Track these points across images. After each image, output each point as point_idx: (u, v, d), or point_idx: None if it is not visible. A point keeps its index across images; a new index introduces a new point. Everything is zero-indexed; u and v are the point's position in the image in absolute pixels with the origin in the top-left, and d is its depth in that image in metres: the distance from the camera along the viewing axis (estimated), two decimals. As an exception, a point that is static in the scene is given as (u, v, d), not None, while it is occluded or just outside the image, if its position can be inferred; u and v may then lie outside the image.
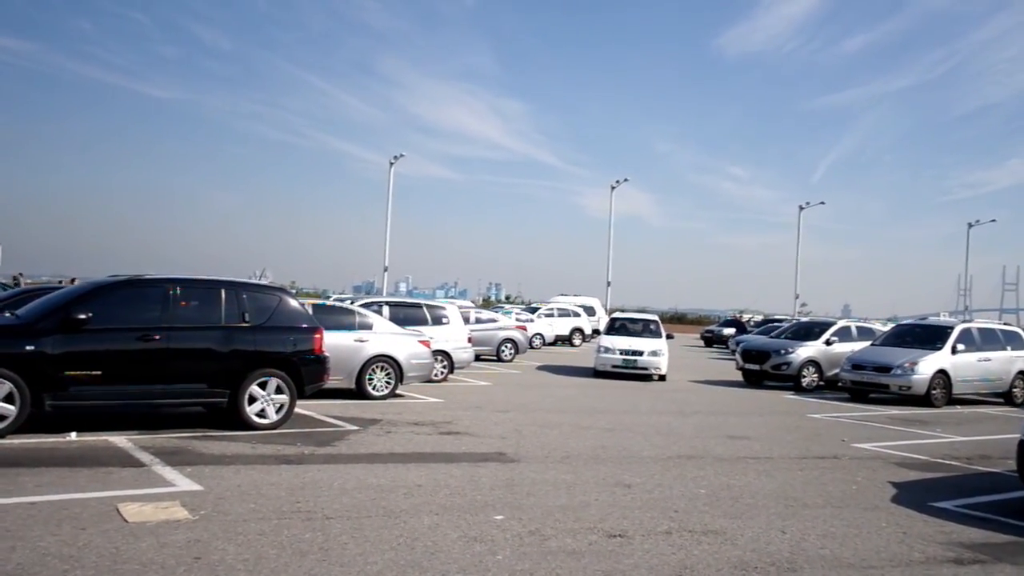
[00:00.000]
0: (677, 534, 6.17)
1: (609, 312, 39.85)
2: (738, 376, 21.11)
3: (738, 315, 46.26)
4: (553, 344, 33.84)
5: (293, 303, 10.70)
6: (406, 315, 16.68)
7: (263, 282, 15.15)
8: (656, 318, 22.83)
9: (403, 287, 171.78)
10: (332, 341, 11.65)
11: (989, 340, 18.46)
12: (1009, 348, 18.65)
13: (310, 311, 11.44)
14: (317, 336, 10.45)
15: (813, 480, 8.60)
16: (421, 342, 14.44)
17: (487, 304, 58.52)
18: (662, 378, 19.95)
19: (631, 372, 19.79)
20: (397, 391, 13.82)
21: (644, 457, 9.42)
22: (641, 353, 19.82)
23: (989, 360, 18.04)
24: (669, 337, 21.94)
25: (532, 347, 29.81)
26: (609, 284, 53.04)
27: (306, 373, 10.23)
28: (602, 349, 20.53)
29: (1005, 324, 21.13)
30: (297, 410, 10.42)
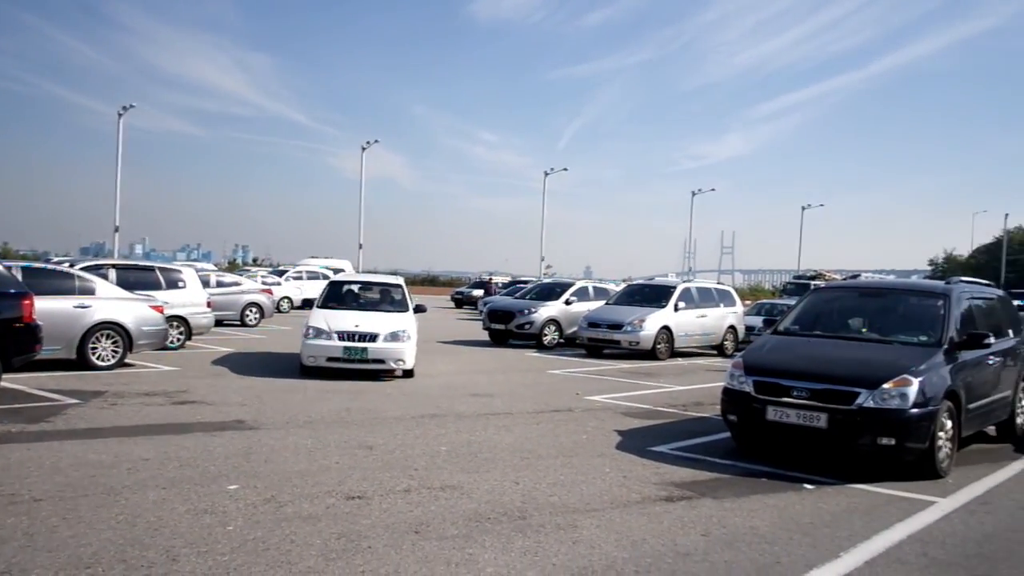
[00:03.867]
0: (416, 492, 6.26)
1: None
2: (485, 336, 21.75)
3: (487, 277, 47.54)
4: (303, 308, 33.02)
5: (-6, 266, 9.55)
6: (137, 279, 15.48)
7: None
8: (401, 282, 15.59)
9: (139, 249, 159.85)
10: (46, 307, 10.61)
11: (705, 298, 20.40)
12: (722, 305, 20.72)
13: (19, 275, 10.31)
14: (26, 302, 9.45)
15: (548, 432, 9.06)
16: (153, 307, 13.50)
17: (232, 267, 55.87)
18: (408, 373, 13.31)
19: (358, 367, 12.85)
20: (126, 360, 12.85)
21: (388, 418, 9.46)
22: (374, 338, 12.82)
23: (705, 316, 19.94)
24: (419, 310, 14.92)
25: (280, 311, 28.93)
26: (361, 246, 52.44)
27: (13, 343, 9.22)
28: (311, 332, 12.99)
29: (719, 284, 23.41)
30: (4, 384, 9.38)
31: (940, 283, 9.66)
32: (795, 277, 48.68)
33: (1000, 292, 11.08)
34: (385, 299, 15.10)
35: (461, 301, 44.61)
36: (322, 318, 13.35)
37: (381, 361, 12.89)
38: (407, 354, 13.05)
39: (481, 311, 28.54)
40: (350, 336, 12.85)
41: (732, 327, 20.61)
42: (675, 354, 19.03)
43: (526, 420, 9.80)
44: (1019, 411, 9.93)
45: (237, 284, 23.59)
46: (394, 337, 12.98)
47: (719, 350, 20.36)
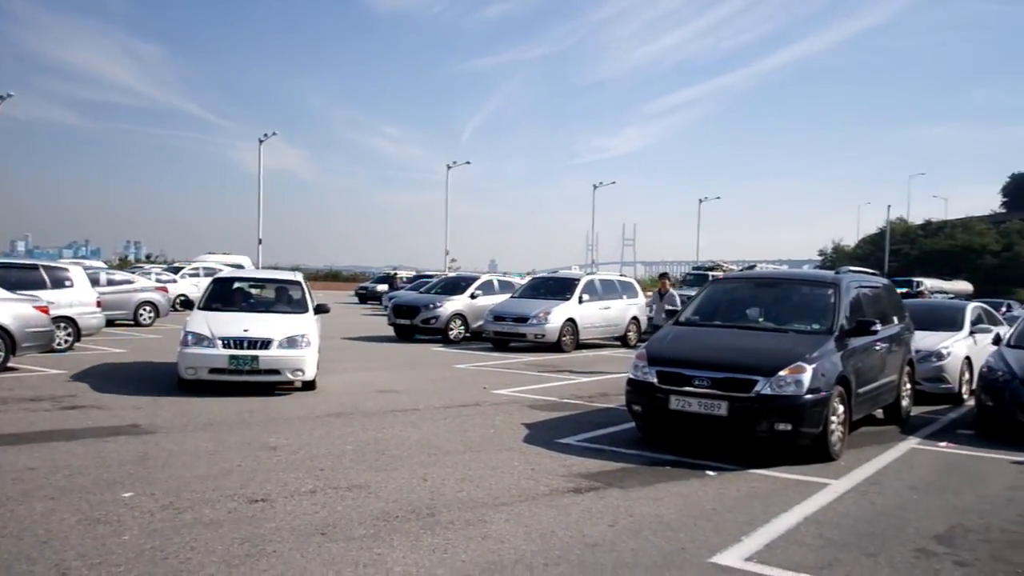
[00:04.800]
0: (321, 492, 6.13)
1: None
2: (391, 332, 21.54)
3: (392, 272, 47.09)
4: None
5: None
6: (19, 278, 14.66)
7: None
8: (299, 278, 13.46)
9: (21, 247, 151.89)
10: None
11: (608, 290, 20.72)
12: (625, 297, 21.08)
13: None
14: None
15: (455, 428, 9.03)
16: (37, 308, 12.84)
17: (124, 264, 53.75)
18: (308, 385, 11.32)
19: (247, 380, 10.86)
20: (9, 364, 12.19)
21: (291, 418, 9.24)
22: (267, 344, 10.85)
23: (609, 308, 20.25)
24: (321, 310, 12.59)
25: (176, 309, 27.95)
26: (260, 242, 51.18)
27: None
28: (190, 339, 10.93)
29: (621, 276, 23.82)
30: None
31: (831, 273, 10.06)
32: (694, 268, 49.91)
33: (885, 281, 11.61)
34: (281, 298, 13.12)
35: (365, 296, 44.07)
36: (203, 322, 11.24)
37: (276, 371, 10.84)
38: (307, 363, 11.02)
39: (386, 306, 28.25)
40: (237, 343, 10.78)
41: (635, 318, 20.99)
42: (580, 346, 19.26)
43: (433, 416, 9.74)
44: (904, 394, 10.42)
45: (129, 282, 22.68)
46: (291, 343, 10.99)
47: (623, 341, 20.71)
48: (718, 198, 76.56)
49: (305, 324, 11.63)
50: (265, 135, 51.33)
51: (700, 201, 73.27)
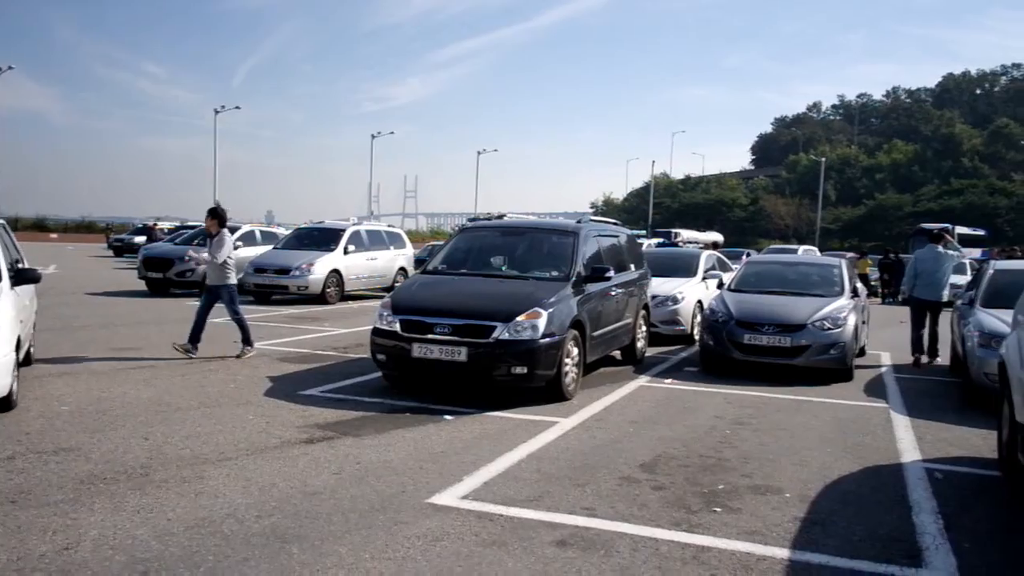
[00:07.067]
0: (22, 458, 5.65)
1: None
2: (143, 286, 20.18)
3: (152, 222, 44.05)
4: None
5: None
6: None
7: None
8: None
9: None
10: None
11: (376, 241, 20.59)
12: (392, 248, 21.05)
13: None
14: None
15: (194, 384, 8.62)
16: None
17: None
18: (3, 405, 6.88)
19: None
20: None
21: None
22: None
23: (375, 259, 20.13)
24: (25, 279, 7.73)
25: None
26: (-2, 190, 46.13)
27: None
28: None
29: (389, 226, 23.70)
30: None
31: (572, 223, 10.52)
32: (470, 219, 50.68)
33: (627, 231, 12.33)
34: None
35: (121, 249, 41.00)
36: None
37: None
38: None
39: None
40: None
41: (403, 268, 21.00)
42: (346, 297, 19.03)
43: (172, 372, 9.25)
44: (639, 336, 11.17)
45: None
46: None
47: (388, 291, 20.66)
48: (495, 150, 78.24)
49: None
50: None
51: (478, 153, 74.33)
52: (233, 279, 10.61)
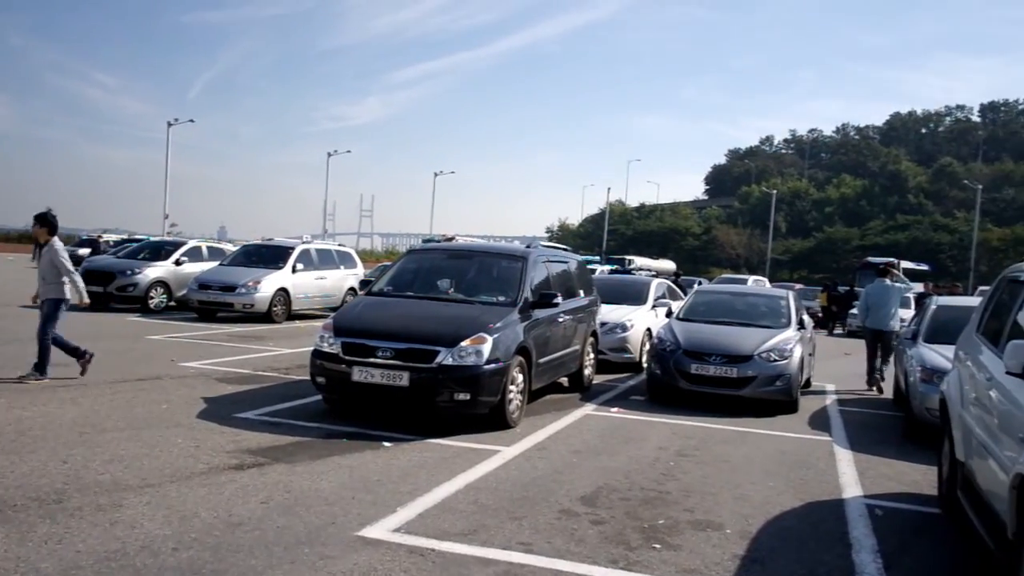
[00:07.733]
0: (-74, 482, 5.32)
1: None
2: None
3: (97, 235, 42.98)
4: None
5: None
6: None
7: None
8: None
9: None
10: None
11: (326, 260, 20.28)
12: (342, 267, 20.75)
13: None
14: None
15: (123, 404, 8.29)
16: None
17: None
18: None
19: None
20: None
21: (-79, 396, 8.02)
22: None
23: (324, 278, 19.82)
24: None
25: None
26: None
27: None
28: None
29: (340, 246, 23.37)
30: None
31: (521, 247, 10.42)
32: (424, 240, 50.45)
33: (577, 257, 12.28)
34: None
35: (65, 261, 39.89)
36: None
37: None
38: None
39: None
40: None
41: (352, 289, 20.67)
42: (293, 316, 18.68)
43: (101, 391, 8.89)
44: (587, 364, 11.07)
45: None
46: None
47: (339, 312, 20.34)
48: (452, 172, 77.99)
49: None
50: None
51: (435, 175, 74.14)
52: (66, 294, 9.58)
